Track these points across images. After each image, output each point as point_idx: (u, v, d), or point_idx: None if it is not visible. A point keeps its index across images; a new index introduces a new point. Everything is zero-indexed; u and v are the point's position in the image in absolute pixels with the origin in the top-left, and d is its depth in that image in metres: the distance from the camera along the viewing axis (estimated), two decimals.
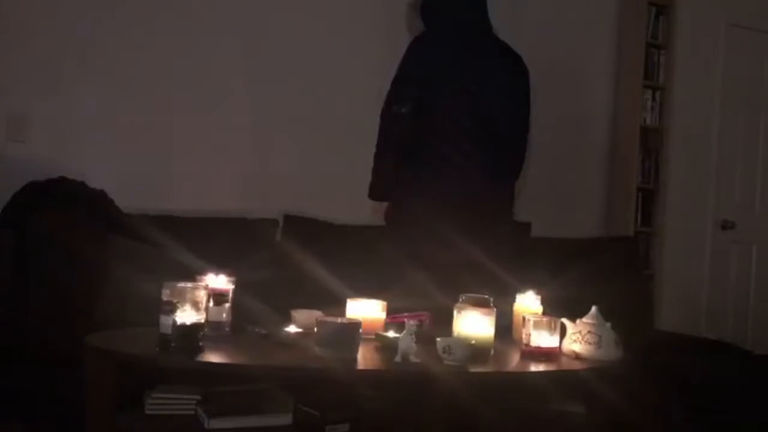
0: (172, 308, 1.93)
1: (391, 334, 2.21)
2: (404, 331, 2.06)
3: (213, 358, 1.99)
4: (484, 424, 2.10)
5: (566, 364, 2.20)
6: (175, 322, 1.92)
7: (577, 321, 2.29)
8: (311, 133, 3.64)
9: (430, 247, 2.69)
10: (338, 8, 3.72)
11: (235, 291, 2.25)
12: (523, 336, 2.24)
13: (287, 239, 3.33)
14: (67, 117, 3.18)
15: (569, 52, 4.31)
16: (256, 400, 2.21)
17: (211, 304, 2.15)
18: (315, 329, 2.05)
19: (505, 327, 2.42)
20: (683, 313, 4.51)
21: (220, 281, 2.23)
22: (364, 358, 2.08)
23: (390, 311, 2.38)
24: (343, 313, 2.30)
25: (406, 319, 2.14)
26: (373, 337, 2.24)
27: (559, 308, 2.40)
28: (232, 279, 2.26)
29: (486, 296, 2.22)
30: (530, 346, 2.21)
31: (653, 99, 4.44)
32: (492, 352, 2.17)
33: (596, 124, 4.46)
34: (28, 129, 3.12)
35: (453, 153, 2.76)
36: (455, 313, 2.20)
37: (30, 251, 2.73)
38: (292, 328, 2.24)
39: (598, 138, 4.46)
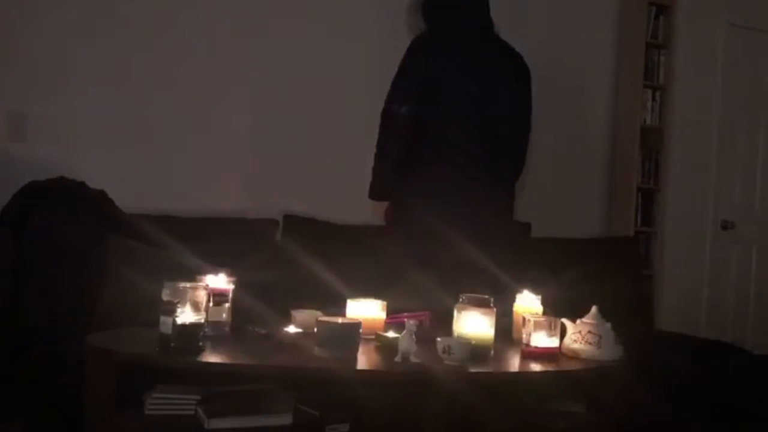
0: (172, 308, 1.93)
1: (391, 334, 2.21)
2: (404, 331, 2.06)
3: (213, 358, 1.99)
4: (485, 425, 2.09)
5: (566, 364, 2.20)
6: (175, 322, 1.92)
7: (577, 321, 2.29)
8: (311, 133, 3.64)
9: (430, 247, 2.69)
10: (339, 8, 3.72)
11: (235, 291, 2.26)
12: (524, 336, 2.25)
13: (287, 239, 3.33)
14: (67, 117, 3.18)
15: (569, 52, 4.31)
16: (256, 400, 2.20)
17: (211, 304, 2.15)
18: (315, 329, 2.05)
19: (506, 329, 2.42)
20: (683, 313, 4.51)
21: (220, 281, 2.24)
22: (364, 358, 2.09)
23: (390, 311, 2.38)
24: (343, 313, 2.30)
25: (406, 319, 2.14)
26: (373, 337, 2.24)
27: (559, 308, 2.40)
28: (232, 279, 2.27)
29: (486, 296, 2.22)
30: (530, 346, 2.21)
31: (653, 99, 4.44)
32: (492, 352, 2.17)
33: (596, 124, 4.46)
34: (28, 129, 3.12)
35: (453, 153, 2.76)
36: (455, 313, 2.21)
37: (30, 251, 2.73)
38: (292, 328, 2.24)
39: (598, 138, 4.46)
